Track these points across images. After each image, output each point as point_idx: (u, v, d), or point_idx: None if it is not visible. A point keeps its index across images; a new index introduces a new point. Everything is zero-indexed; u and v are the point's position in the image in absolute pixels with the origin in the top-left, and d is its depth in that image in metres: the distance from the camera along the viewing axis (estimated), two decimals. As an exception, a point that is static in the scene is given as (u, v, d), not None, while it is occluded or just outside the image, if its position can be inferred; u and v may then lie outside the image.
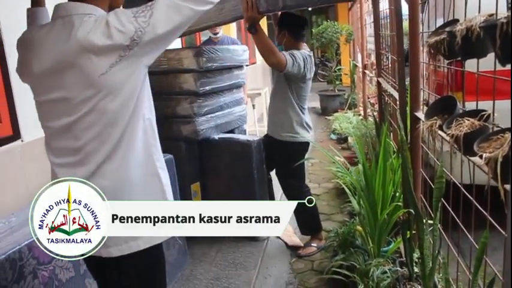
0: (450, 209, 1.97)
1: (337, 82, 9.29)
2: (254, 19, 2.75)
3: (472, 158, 1.44)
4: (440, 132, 1.73)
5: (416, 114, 2.42)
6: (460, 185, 1.84)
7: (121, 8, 1.44)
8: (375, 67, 5.48)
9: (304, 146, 3.28)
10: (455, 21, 1.67)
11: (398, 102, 2.81)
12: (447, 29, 1.55)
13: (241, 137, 3.42)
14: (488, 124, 1.43)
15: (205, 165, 3.44)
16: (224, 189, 3.43)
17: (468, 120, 1.49)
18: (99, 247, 1.33)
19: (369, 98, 6.43)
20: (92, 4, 1.34)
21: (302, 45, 3.26)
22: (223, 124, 3.47)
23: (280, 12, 3.15)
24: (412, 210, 2.32)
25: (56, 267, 1.88)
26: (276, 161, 3.42)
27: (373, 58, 6.53)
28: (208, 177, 3.46)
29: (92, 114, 1.29)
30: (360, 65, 7.47)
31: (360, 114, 7.12)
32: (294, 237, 3.58)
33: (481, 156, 1.20)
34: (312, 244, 3.44)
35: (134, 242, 1.38)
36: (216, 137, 3.38)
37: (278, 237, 3.60)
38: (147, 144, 1.40)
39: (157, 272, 1.51)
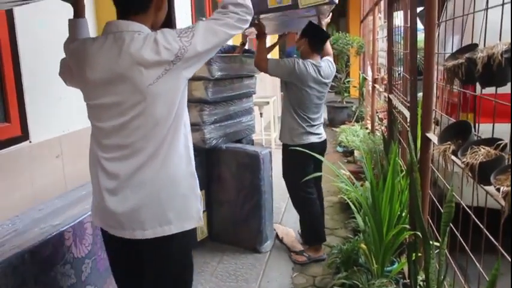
0: (458, 235, 1.94)
1: (345, 94, 9.26)
2: (262, 27, 3.28)
3: (487, 188, 1.42)
4: (454, 158, 1.70)
5: (427, 135, 2.40)
6: (469, 211, 1.81)
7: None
8: (385, 82, 5.46)
9: (304, 153, 3.12)
10: (474, 45, 1.65)
11: (409, 122, 2.78)
12: (467, 54, 1.52)
13: (248, 147, 3.40)
14: (504, 154, 1.40)
15: (211, 174, 3.43)
16: (228, 199, 3.41)
17: (484, 148, 1.47)
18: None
19: (377, 112, 6.40)
20: (139, 22, 1.54)
21: (316, 57, 3.28)
22: (231, 133, 3.46)
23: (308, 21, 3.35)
24: (419, 233, 2.29)
25: (58, 274, 1.86)
26: (283, 167, 3.43)
27: (383, 73, 6.53)
28: (213, 186, 3.45)
29: (140, 117, 1.51)
30: (369, 78, 7.46)
31: (367, 128, 7.09)
32: (296, 243, 3.57)
33: (498, 189, 1.18)
34: (305, 254, 3.43)
35: (167, 227, 1.59)
36: (224, 146, 3.37)
37: (280, 240, 3.63)
38: (186, 148, 1.64)
39: (186, 256, 1.75)
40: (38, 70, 2.48)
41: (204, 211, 1.85)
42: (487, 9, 1.71)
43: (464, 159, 1.49)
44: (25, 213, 2.13)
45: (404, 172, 3.06)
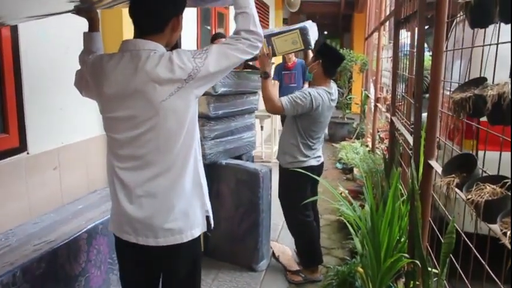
0: (458, 267, 1.91)
1: (347, 110, 9.25)
2: (266, 64, 3.00)
3: (492, 226, 1.39)
4: (458, 191, 1.67)
5: (430, 162, 2.37)
6: (470, 244, 1.78)
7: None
8: (388, 102, 5.45)
9: (303, 175, 3.09)
10: (482, 79, 1.63)
11: (412, 148, 2.76)
12: (476, 91, 1.50)
13: (249, 164, 3.36)
14: (510, 193, 1.38)
15: (210, 190, 3.33)
16: (226, 216, 3.38)
17: (490, 186, 1.44)
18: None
19: (378, 131, 6.38)
20: (155, 41, 1.64)
21: (328, 82, 3.24)
22: (231, 149, 3.43)
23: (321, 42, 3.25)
24: (418, 262, 2.26)
25: (49, 293, 1.83)
26: (280, 189, 3.38)
27: (385, 92, 6.52)
28: (211, 202, 3.39)
29: (153, 130, 1.60)
30: (371, 96, 7.44)
31: (367, 145, 7.07)
32: (292, 262, 3.53)
33: (505, 234, 1.15)
34: (301, 274, 3.38)
35: (179, 235, 1.70)
36: (224, 162, 3.34)
37: (277, 259, 3.58)
38: (196, 159, 1.74)
39: (196, 263, 1.88)
40: (39, 80, 2.46)
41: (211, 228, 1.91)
42: (497, 44, 1.68)
43: (470, 196, 1.46)
44: (20, 227, 2.10)
45: (404, 197, 3.04)
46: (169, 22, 1.67)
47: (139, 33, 1.66)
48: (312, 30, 3.06)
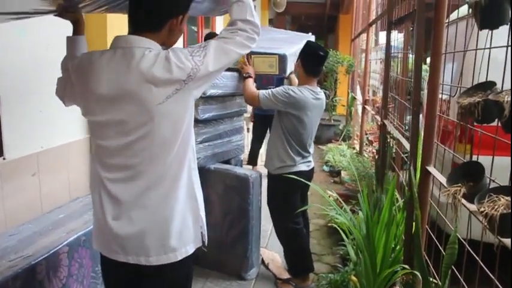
0: (462, 278, 1.84)
1: (333, 112, 9.18)
2: (248, 69, 3.16)
3: (505, 240, 1.31)
4: (465, 202, 1.59)
5: (428, 168, 2.29)
6: (475, 255, 1.71)
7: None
8: (377, 105, 5.39)
9: (293, 182, 2.97)
10: (489, 84, 1.55)
11: (407, 153, 2.68)
12: (491, 96, 1.41)
13: (238, 169, 3.24)
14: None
15: (197, 195, 3.26)
16: (214, 222, 3.24)
17: (504, 198, 1.35)
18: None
19: (366, 133, 6.32)
20: (150, 39, 1.50)
21: (313, 81, 3.13)
22: (220, 153, 3.30)
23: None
24: (417, 273, 2.17)
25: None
26: (268, 196, 3.27)
27: (371, 93, 6.47)
28: (199, 208, 3.28)
29: (146, 138, 1.46)
30: (359, 98, 7.39)
31: (354, 148, 7.01)
32: (282, 269, 3.42)
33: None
34: (292, 282, 3.28)
35: (173, 254, 1.56)
36: (212, 166, 3.21)
37: (266, 266, 3.47)
38: (189, 168, 1.60)
39: (188, 277, 1.73)
40: (16, 80, 2.30)
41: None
42: (490, 48, 1.63)
43: (483, 209, 1.37)
44: (-6, 238, 1.94)
45: (399, 203, 2.96)
46: (168, 21, 1.54)
47: (134, 29, 1.53)
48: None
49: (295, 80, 3.62)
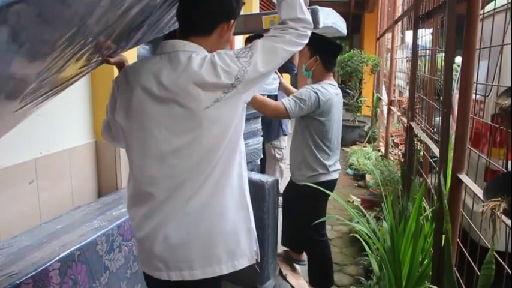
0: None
1: (357, 113, 8.91)
2: None
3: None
4: (506, 220, 1.37)
5: (459, 176, 2.06)
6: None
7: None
8: (403, 106, 5.13)
9: (325, 189, 2.77)
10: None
11: (435, 158, 2.45)
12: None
13: (254, 175, 3.05)
14: None
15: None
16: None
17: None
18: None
19: (392, 135, 6.05)
20: (196, 43, 1.47)
21: (330, 76, 2.94)
22: (235, 158, 3.12)
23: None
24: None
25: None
26: (294, 208, 3.06)
27: (397, 94, 6.20)
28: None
29: (194, 143, 1.40)
30: (384, 98, 7.13)
31: (379, 150, 6.76)
32: (301, 280, 3.26)
33: None
34: None
35: (218, 267, 1.47)
36: (226, 172, 3.03)
37: (284, 277, 3.31)
38: (240, 176, 1.52)
39: None
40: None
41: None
42: None
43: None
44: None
45: (427, 212, 2.73)
46: (219, 25, 1.50)
47: (183, 34, 1.50)
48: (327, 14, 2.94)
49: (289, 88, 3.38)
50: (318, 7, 2.90)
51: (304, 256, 3.44)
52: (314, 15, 2.85)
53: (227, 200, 1.48)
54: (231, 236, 1.49)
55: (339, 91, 2.92)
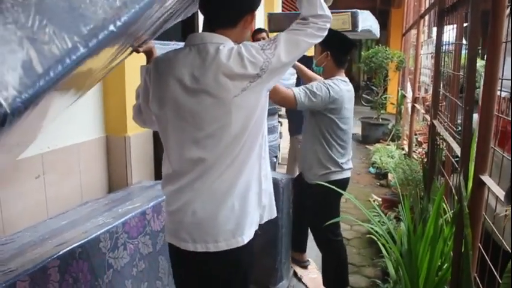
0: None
1: (381, 111, 8.73)
2: None
3: None
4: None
5: (482, 177, 1.94)
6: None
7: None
8: (427, 103, 4.97)
9: (339, 188, 2.69)
10: None
11: (457, 157, 2.33)
12: None
13: (268, 173, 2.98)
14: None
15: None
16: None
17: None
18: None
19: (415, 134, 5.89)
20: (223, 35, 1.56)
21: (342, 72, 2.83)
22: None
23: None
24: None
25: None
26: (308, 208, 2.96)
27: (423, 91, 6.03)
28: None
29: (223, 129, 1.51)
30: (409, 96, 6.96)
31: (402, 149, 6.60)
32: (318, 283, 3.14)
33: None
34: None
35: (240, 238, 1.58)
36: (239, 169, 2.96)
37: (299, 279, 3.24)
38: (259, 157, 1.63)
39: (251, 262, 1.77)
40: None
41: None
42: None
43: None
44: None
45: (448, 214, 2.61)
46: (244, 17, 1.59)
47: (209, 26, 1.58)
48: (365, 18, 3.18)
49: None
50: (358, 10, 2.93)
51: (307, 256, 3.40)
52: (354, 18, 2.86)
53: (249, 180, 1.59)
54: (251, 209, 1.61)
55: (351, 87, 2.80)
